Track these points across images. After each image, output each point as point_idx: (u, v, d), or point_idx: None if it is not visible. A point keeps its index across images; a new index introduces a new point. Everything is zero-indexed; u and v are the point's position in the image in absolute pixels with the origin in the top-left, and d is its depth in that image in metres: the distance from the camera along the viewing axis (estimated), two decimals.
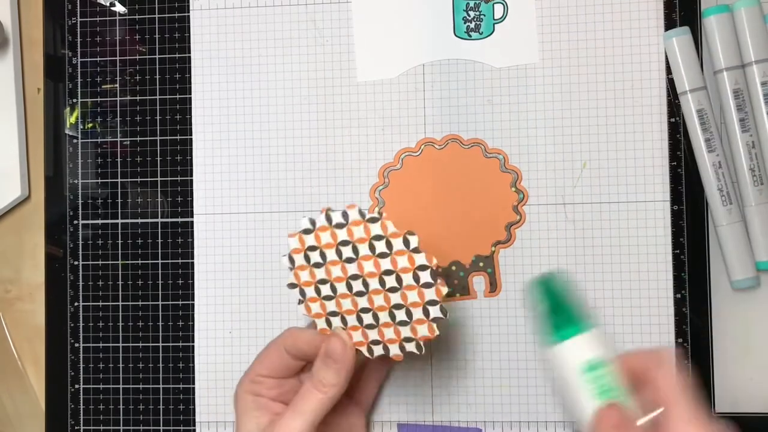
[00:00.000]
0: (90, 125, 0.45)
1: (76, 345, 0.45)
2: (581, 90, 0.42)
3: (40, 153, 0.46)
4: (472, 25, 0.43)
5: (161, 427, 0.44)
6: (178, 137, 0.45)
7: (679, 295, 0.42)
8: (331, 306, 0.36)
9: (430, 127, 0.43)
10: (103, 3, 0.45)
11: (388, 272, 0.35)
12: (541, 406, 0.42)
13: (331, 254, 0.35)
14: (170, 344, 0.44)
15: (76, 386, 0.45)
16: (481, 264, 0.43)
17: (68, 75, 0.45)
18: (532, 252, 0.42)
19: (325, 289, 0.35)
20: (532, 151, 0.43)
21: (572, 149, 0.42)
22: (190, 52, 0.45)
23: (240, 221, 0.44)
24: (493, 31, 0.43)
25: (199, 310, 0.44)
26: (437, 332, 0.35)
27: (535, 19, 0.43)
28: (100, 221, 0.45)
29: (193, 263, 0.44)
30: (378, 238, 0.35)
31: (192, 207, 0.44)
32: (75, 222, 0.45)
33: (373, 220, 0.35)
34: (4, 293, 0.46)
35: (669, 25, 0.42)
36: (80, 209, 0.45)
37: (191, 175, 0.44)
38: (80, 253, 0.45)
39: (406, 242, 0.34)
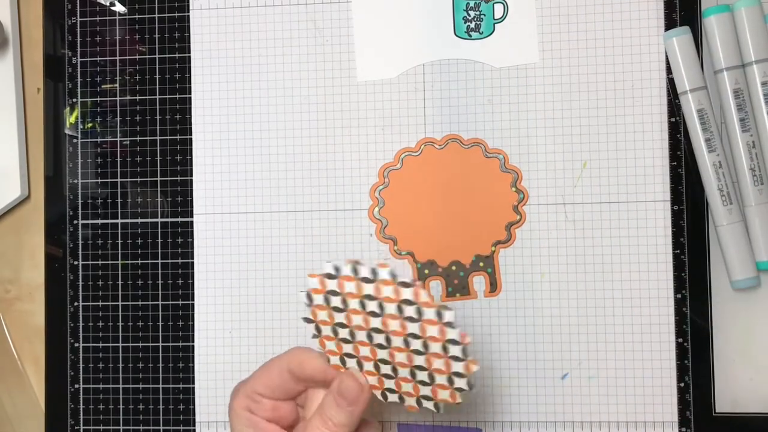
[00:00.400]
0: (90, 125, 0.45)
1: (76, 345, 0.45)
2: (581, 90, 0.42)
3: (40, 153, 0.46)
4: (472, 25, 0.43)
5: (161, 427, 0.44)
6: (178, 137, 0.45)
7: (679, 295, 0.42)
8: (347, 348, 0.34)
9: (430, 127, 0.43)
10: (103, 3, 0.45)
11: (414, 336, 0.32)
12: (541, 406, 0.42)
13: (353, 303, 0.33)
14: (170, 344, 0.44)
15: (76, 386, 0.45)
16: (481, 264, 0.43)
17: (68, 75, 0.45)
18: (532, 252, 0.42)
19: (344, 333, 0.33)
20: (532, 151, 0.43)
21: (572, 149, 0.42)
22: (190, 52, 0.45)
23: (240, 221, 0.44)
24: (493, 31, 0.43)
25: (199, 310, 0.44)
26: (459, 400, 0.33)
27: (535, 19, 0.43)
28: (100, 221, 0.45)
29: (193, 263, 0.44)
30: (408, 302, 0.32)
31: (192, 207, 0.44)
32: (75, 222, 0.45)
33: (406, 285, 0.32)
34: (4, 293, 0.46)
35: (669, 25, 0.42)
36: (80, 209, 0.45)
37: (191, 175, 0.44)
38: (80, 253, 0.45)
39: (439, 315, 0.32)
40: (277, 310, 0.44)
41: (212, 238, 0.44)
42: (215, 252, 0.44)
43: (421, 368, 0.33)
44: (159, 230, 0.45)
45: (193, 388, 0.44)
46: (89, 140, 0.45)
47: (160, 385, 0.44)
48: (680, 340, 0.42)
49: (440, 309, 0.32)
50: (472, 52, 0.43)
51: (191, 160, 0.45)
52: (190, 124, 0.45)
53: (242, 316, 0.44)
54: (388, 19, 0.44)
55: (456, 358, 0.32)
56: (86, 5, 0.45)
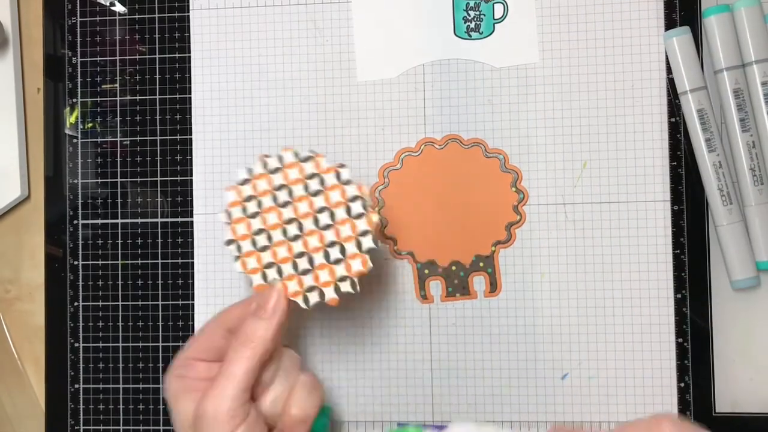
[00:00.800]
0: (90, 125, 0.45)
1: (76, 345, 0.45)
2: (581, 90, 0.42)
3: (40, 153, 0.46)
4: (472, 25, 0.43)
5: (161, 427, 0.44)
6: (178, 137, 0.45)
7: (679, 295, 0.42)
8: (266, 257, 0.36)
9: (430, 127, 0.43)
10: (103, 3, 0.45)
11: (322, 209, 0.36)
12: (541, 406, 0.42)
13: (267, 201, 0.36)
14: (170, 344, 0.44)
15: (76, 386, 0.45)
16: (481, 264, 0.43)
17: (68, 75, 0.45)
18: (532, 252, 0.42)
19: (261, 240, 0.36)
20: (532, 151, 0.43)
21: (572, 149, 0.42)
22: (190, 52, 0.45)
23: None
24: (493, 31, 0.43)
25: (199, 310, 0.44)
26: (371, 265, 0.35)
27: (535, 19, 0.43)
28: (100, 221, 0.45)
29: (193, 263, 0.44)
30: (312, 176, 0.36)
31: (192, 207, 0.44)
32: (75, 222, 0.45)
33: (307, 159, 0.36)
34: (4, 293, 0.46)
35: (669, 25, 0.42)
36: (80, 209, 0.45)
37: (191, 175, 0.44)
38: (80, 253, 0.45)
39: (338, 175, 0.36)
40: None
41: (212, 238, 0.44)
42: (215, 252, 0.44)
43: (332, 244, 0.36)
44: (159, 230, 0.45)
45: None
46: (89, 140, 0.45)
47: (160, 386, 0.44)
48: (680, 340, 0.42)
49: (337, 168, 0.36)
50: (472, 52, 0.43)
51: (191, 160, 0.45)
52: (190, 124, 0.45)
53: None
54: (388, 19, 0.44)
55: (359, 216, 0.35)
56: (86, 5, 0.45)
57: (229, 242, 0.36)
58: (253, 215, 0.36)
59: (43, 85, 0.46)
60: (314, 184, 0.36)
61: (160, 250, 0.45)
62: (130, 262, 0.45)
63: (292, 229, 0.36)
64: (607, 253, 0.42)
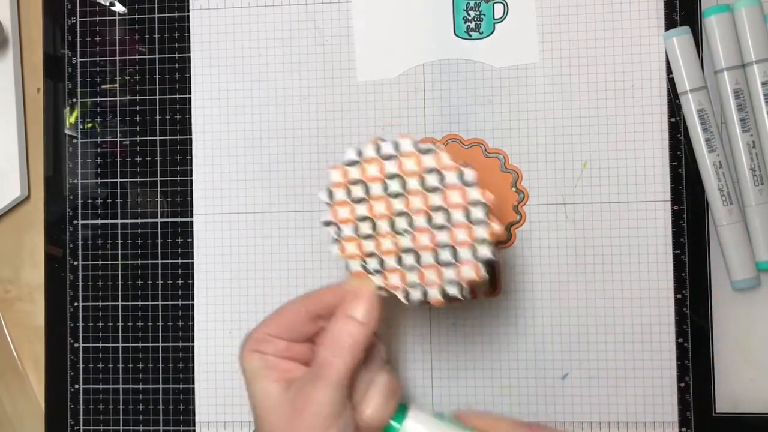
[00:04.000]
0: (90, 125, 0.45)
1: (76, 345, 0.45)
2: (581, 90, 0.42)
3: (39, 153, 0.46)
4: (472, 25, 0.43)
5: (161, 427, 0.44)
6: (178, 137, 0.45)
7: (679, 295, 0.42)
8: (369, 246, 0.33)
9: (430, 127, 0.43)
10: (103, 3, 0.45)
11: (437, 208, 0.32)
12: (541, 406, 0.42)
13: (376, 188, 0.33)
14: (170, 344, 0.44)
15: (76, 386, 0.45)
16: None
17: (68, 75, 0.45)
18: (532, 252, 0.42)
19: (365, 228, 0.33)
20: (532, 151, 0.43)
21: (572, 149, 0.42)
22: (190, 52, 0.45)
23: (240, 221, 0.44)
24: (493, 31, 0.43)
25: (199, 310, 0.44)
26: (484, 274, 0.32)
27: (535, 19, 0.43)
28: (99, 221, 0.45)
29: (193, 263, 0.44)
30: (430, 171, 0.32)
31: (192, 207, 0.44)
32: (75, 222, 0.45)
33: (428, 151, 0.32)
34: (4, 293, 0.46)
35: (669, 24, 0.42)
36: (80, 209, 0.45)
37: (191, 175, 0.44)
38: (80, 253, 0.45)
39: (461, 175, 0.32)
40: None
41: (212, 238, 0.44)
42: (215, 252, 0.44)
43: (444, 246, 0.32)
44: (159, 230, 0.45)
45: (193, 388, 0.44)
46: (89, 140, 0.45)
47: (160, 385, 0.44)
48: (680, 340, 0.42)
49: (461, 167, 0.32)
50: (472, 52, 0.43)
51: (191, 160, 0.45)
52: (190, 124, 0.45)
53: (242, 316, 0.44)
54: (388, 19, 0.44)
55: (479, 222, 0.32)
56: (86, 5, 0.45)
57: (328, 223, 0.33)
58: (359, 200, 0.33)
59: (43, 85, 0.46)
60: (432, 180, 0.32)
61: (160, 250, 0.45)
62: (130, 262, 0.45)
63: (401, 223, 0.32)
64: (607, 253, 0.42)
